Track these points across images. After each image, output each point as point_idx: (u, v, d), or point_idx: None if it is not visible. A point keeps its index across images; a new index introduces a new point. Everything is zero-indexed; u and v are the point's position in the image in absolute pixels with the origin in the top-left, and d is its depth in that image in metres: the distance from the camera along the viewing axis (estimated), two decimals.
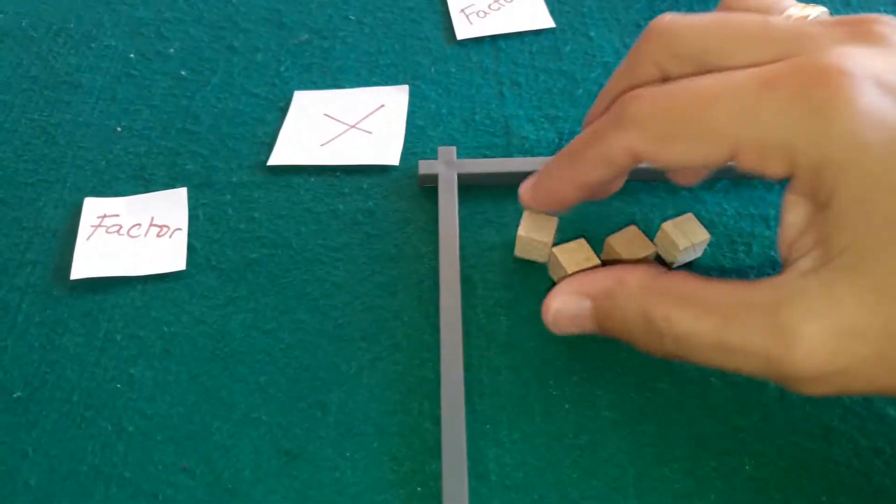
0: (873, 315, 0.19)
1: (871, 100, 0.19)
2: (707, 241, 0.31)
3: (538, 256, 0.32)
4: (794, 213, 0.22)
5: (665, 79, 0.25)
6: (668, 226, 0.31)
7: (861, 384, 0.20)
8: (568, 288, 0.27)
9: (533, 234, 0.31)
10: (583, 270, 0.29)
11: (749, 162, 0.22)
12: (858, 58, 0.20)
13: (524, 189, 0.29)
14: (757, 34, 0.22)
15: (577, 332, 0.28)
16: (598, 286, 0.26)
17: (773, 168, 0.21)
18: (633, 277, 0.25)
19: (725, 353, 0.22)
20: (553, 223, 0.31)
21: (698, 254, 0.32)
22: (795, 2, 0.25)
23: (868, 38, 0.21)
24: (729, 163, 0.23)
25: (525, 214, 0.31)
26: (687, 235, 0.31)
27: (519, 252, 0.32)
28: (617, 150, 0.24)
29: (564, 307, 0.27)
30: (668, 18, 0.25)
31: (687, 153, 0.22)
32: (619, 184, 0.30)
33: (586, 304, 0.26)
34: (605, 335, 0.27)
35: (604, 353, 0.30)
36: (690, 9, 0.43)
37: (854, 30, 0.22)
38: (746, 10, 0.25)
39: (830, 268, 0.20)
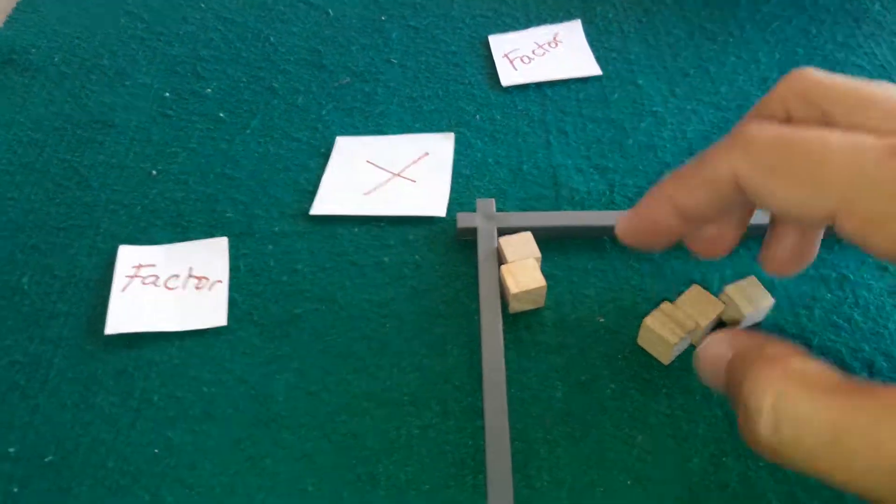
0: None
1: None
2: (770, 306, 0.30)
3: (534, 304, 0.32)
4: None
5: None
6: (731, 289, 0.30)
7: None
8: (725, 333, 0.24)
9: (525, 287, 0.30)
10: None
11: (851, 227, 0.20)
12: None
13: (620, 219, 0.27)
14: (893, 106, 0.21)
15: (714, 383, 0.24)
16: (743, 342, 0.23)
17: (877, 241, 0.20)
18: (772, 349, 0.22)
19: (838, 453, 0.19)
20: (535, 267, 0.31)
21: (761, 317, 0.31)
22: None
23: None
24: (828, 224, 0.21)
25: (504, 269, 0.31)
26: (751, 300, 0.30)
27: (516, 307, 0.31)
28: (722, 169, 0.22)
29: (712, 344, 0.24)
30: (809, 68, 0.24)
31: (788, 195, 0.21)
32: (728, 236, 0.27)
33: (727, 354, 0.23)
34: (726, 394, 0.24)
35: (665, 426, 0.28)
36: (737, 53, 0.42)
37: None
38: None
39: None
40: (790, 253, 0.26)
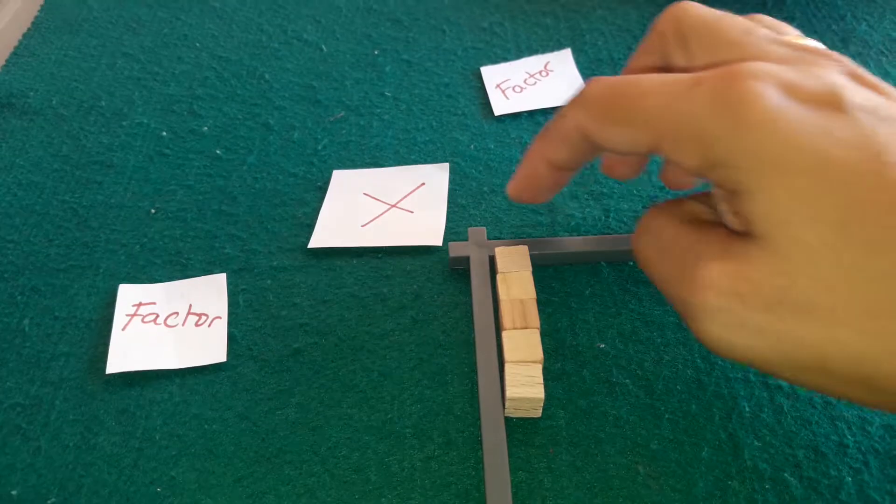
0: (772, 275, 0.21)
1: (776, 101, 0.21)
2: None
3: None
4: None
5: (663, 66, 0.27)
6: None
7: (753, 341, 0.21)
8: (658, 217, 0.27)
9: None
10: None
11: (668, 151, 0.23)
12: (774, 69, 0.22)
13: (510, 183, 0.30)
14: (733, 40, 0.25)
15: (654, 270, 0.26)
16: (671, 235, 0.26)
17: (688, 158, 0.23)
18: (704, 247, 0.24)
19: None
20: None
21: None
22: (800, 33, 0.26)
23: (804, 61, 0.23)
24: (654, 153, 0.25)
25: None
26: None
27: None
28: (570, 125, 0.26)
29: (652, 231, 0.27)
30: (689, 2, 0.27)
31: (619, 136, 0.25)
32: (627, 170, 0.31)
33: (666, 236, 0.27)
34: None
35: (668, 452, 0.28)
36: None
37: (801, 54, 0.23)
38: (759, 22, 0.26)
39: (748, 235, 0.22)
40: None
